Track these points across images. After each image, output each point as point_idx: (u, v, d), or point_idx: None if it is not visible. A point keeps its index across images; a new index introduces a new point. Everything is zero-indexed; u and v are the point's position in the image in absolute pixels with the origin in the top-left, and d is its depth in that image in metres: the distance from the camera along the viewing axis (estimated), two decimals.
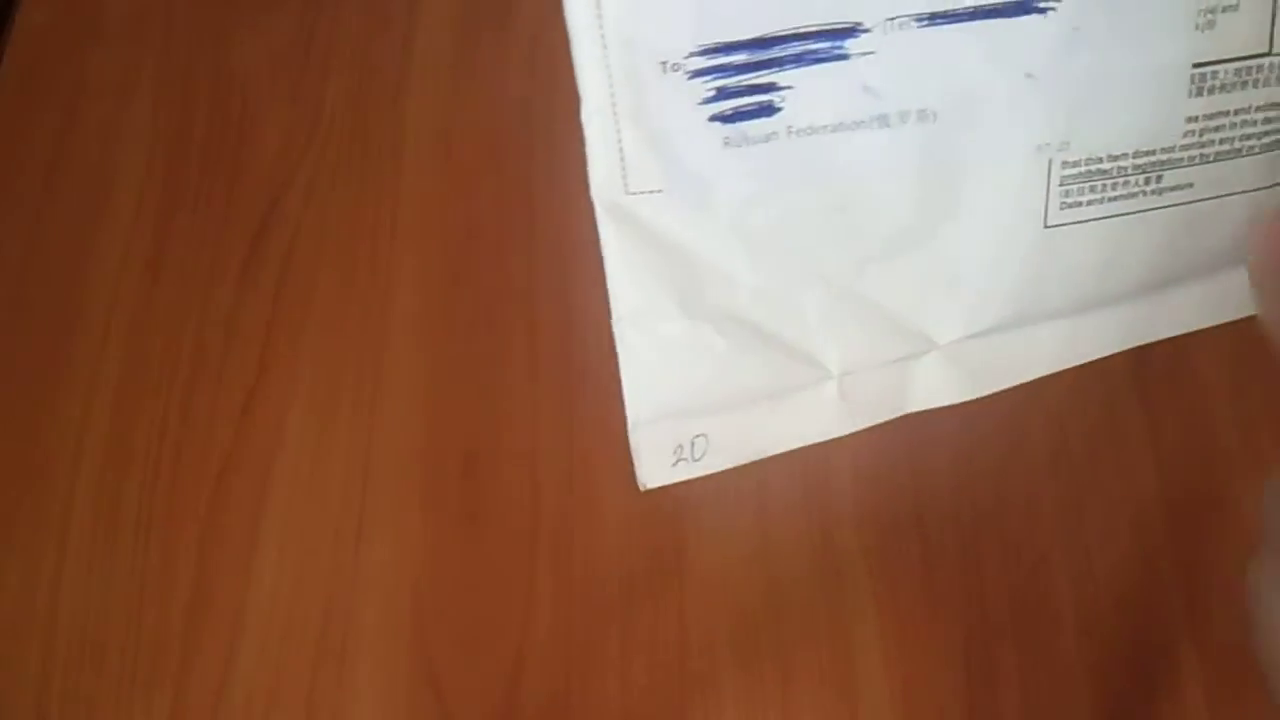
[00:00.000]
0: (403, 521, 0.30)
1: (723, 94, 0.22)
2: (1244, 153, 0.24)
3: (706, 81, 0.22)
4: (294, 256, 0.33)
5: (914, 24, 0.22)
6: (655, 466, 0.25)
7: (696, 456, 0.25)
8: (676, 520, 0.29)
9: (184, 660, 0.30)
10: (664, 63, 0.22)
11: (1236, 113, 0.24)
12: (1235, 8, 0.23)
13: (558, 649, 0.28)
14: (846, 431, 0.26)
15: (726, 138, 0.23)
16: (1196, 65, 0.23)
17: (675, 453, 0.25)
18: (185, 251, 0.34)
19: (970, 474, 0.29)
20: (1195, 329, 0.27)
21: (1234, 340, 0.28)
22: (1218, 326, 0.27)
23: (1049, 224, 0.24)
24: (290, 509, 0.30)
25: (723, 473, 0.26)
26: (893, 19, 0.22)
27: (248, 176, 0.34)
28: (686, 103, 0.22)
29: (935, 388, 0.26)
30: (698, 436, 0.25)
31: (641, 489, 0.25)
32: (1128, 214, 0.25)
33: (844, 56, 0.22)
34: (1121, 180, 0.24)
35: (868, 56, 0.22)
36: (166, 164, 0.36)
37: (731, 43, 0.22)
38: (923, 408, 0.26)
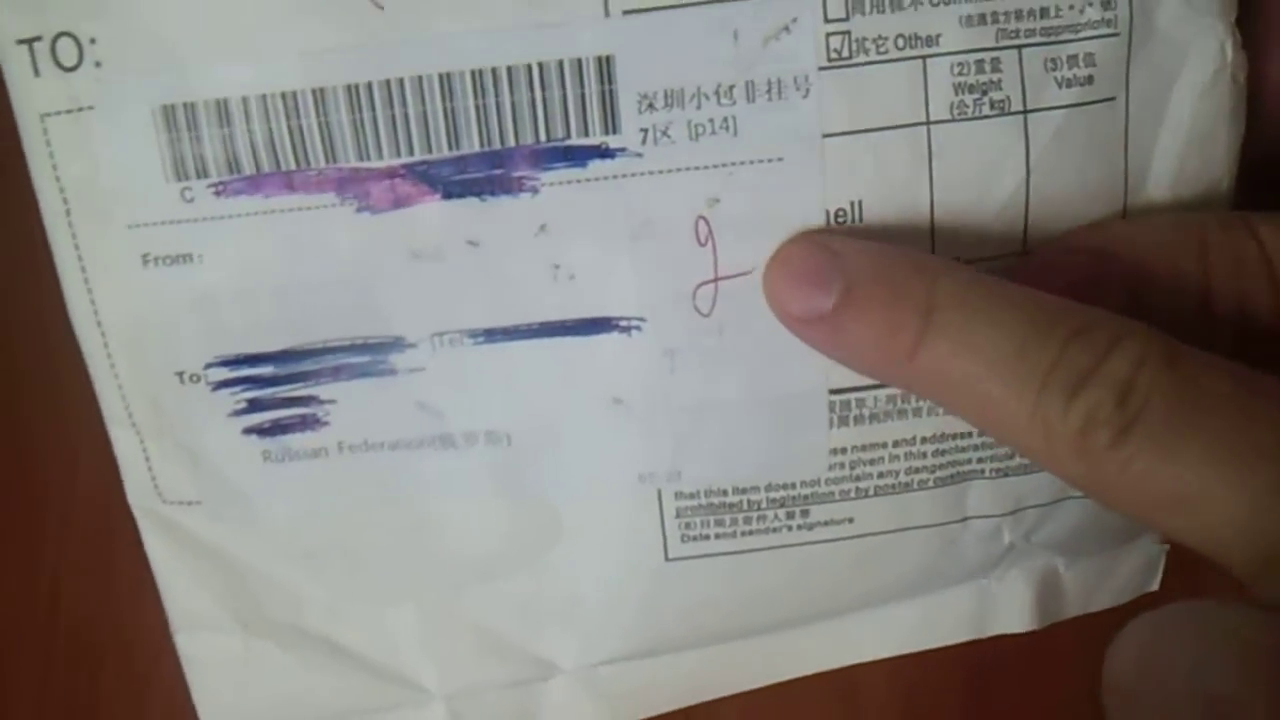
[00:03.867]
0: None
1: (256, 406, 0.19)
2: (914, 487, 0.20)
3: (234, 393, 0.19)
4: None
5: (468, 340, 0.19)
6: None
7: None
8: None
9: None
10: (181, 373, 0.19)
11: (897, 444, 0.20)
12: None
13: None
14: None
15: (266, 451, 0.20)
16: (835, 391, 0.19)
17: None
18: None
19: None
20: (872, 659, 0.23)
21: None
22: None
23: (671, 557, 0.21)
24: None
25: None
26: (441, 334, 0.19)
27: None
28: (214, 415, 0.19)
29: (570, 712, 0.22)
30: None
31: None
32: (768, 549, 0.21)
33: (390, 372, 0.19)
34: (755, 515, 0.20)
35: (418, 373, 0.19)
36: None
37: (253, 355, 0.19)
38: None
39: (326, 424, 0.19)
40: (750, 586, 0.21)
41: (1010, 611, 0.23)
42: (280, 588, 0.21)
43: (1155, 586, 0.24)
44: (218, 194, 0.18)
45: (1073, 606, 0.23)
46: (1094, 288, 0.18)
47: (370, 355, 0.19)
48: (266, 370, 0.19)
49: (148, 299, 0.18)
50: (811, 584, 0.21)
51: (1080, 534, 0.22)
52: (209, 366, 0.19)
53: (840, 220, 0.18)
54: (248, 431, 0.19)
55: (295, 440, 0.20)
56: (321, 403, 0.19)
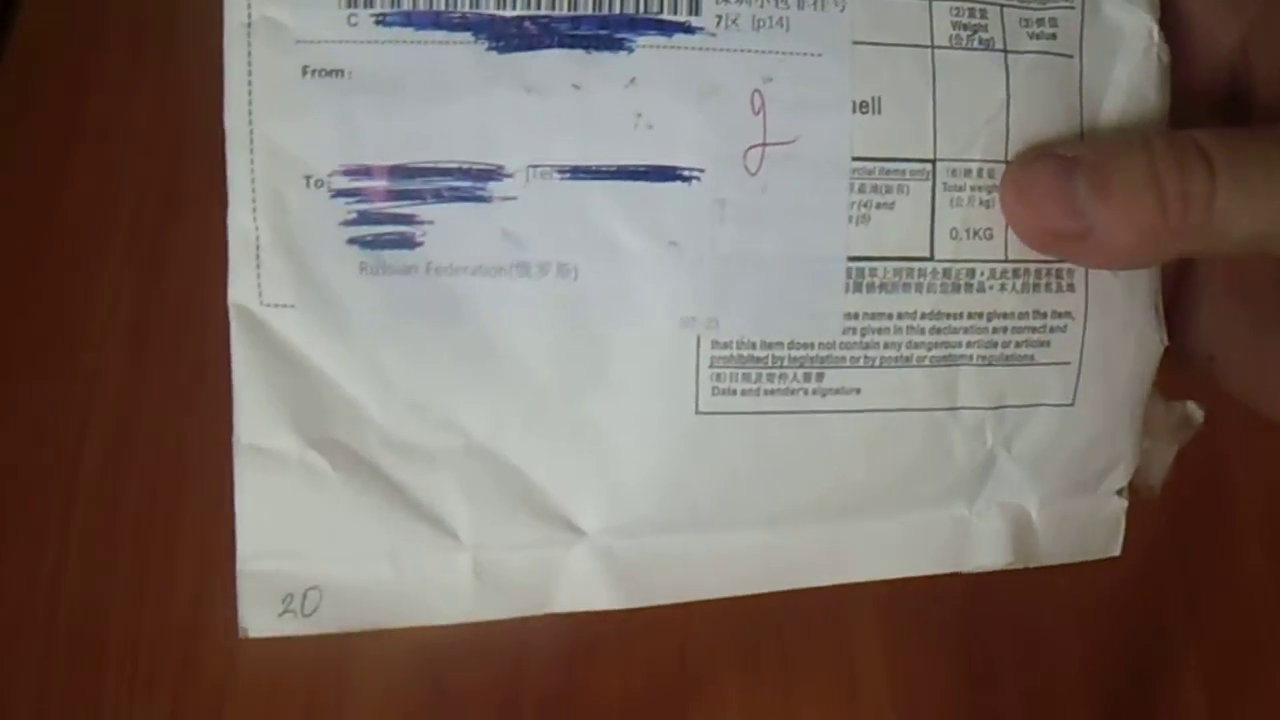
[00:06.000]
0: None
1: (364, 218, 0.22)
2: (913, 362, 0.24)
3: (349, 203, 0.22)
4: None
5: (557, 175, 0.23)
6: (259, 613, 0.23)
7: (307, 611, 0.23)
8: None
9: (184, 660, 0.30)
10: (308, 177, 0.22)
11: (900, 316, 0.23)
12: (890, 206, 0.23)
13: (558, 649, 0.28)
14: (480, 619, 0.23)
15: (363, 263, 0.23)
16: (853, 259, 0.23)
17: (284, 602, 0.23)
18: (185, 251, 0.34)
19: None
20: (885, 578, 0.25)
21: None
22: None
23: (700, 410, 0.23)
24: None
25: None
26: (536, 166, 0.23)
27: None
28: (327, 221, 0.22)
29: (584, 589, 0.23)
30: (310, 589, 0.23)
31: (241, 635, 0.23)
32: (786, 412, 0.23)
33: (485, 199, 0.23)
34: (778, 372, 0.23)
35: (509, 202, 0.23)
36: (167, 164, 0.36)
37: (373, 167, 0.22)
38: (569, 609, 0.24)
39: (421, 244, 0.23)
40: (768, 454, 0.24)
41: (987, 546, 0.25)
42: (349, 403, 0.23)
43: (1117, 551, 0.26)
44: (378, 22, 0.22)
45: (1043, 552, 0.26)
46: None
47: (471, 180, 0.22)
48: (381, 183, 0.22)
49: (299, 105, 0.22)
50: (822, 461, 0.24)
51: (1051, 455, 0.25)
52: (333, 174, 0.22)
53: (864, 110, 0.23)
54: (352, 241, 0.22)
55: (390, 256, 0.23)
56: (420, 223, 0.23)
